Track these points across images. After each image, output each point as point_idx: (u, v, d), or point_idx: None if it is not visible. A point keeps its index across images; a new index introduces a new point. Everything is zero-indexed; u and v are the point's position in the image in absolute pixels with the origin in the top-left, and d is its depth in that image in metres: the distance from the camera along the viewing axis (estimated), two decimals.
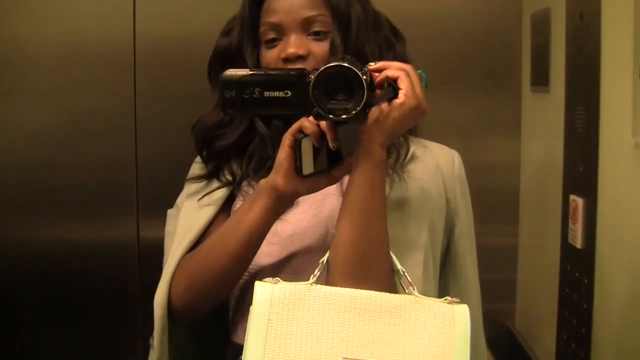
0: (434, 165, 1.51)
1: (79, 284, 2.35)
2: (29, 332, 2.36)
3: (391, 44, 1.51)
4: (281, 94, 1.23)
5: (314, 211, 1.46)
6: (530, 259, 2.33)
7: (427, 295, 1.29)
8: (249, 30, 1.51)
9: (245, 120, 1.52)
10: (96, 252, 2.34)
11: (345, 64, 1.20)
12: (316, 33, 1.46)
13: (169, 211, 1.59)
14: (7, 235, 2.30)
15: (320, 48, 1.44)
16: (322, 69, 1.21)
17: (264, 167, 1.48)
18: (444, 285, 1.53)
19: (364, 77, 1.20)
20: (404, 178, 1.45)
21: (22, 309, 2.36)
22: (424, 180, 1.47)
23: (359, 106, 1.19)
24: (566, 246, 1.90)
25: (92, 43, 2.27)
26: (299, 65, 1.42)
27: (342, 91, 1.20)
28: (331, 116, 1.21)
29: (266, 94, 1.23)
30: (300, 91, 1.22)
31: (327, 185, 1.36)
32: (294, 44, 1.44)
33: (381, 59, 1.37)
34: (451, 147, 1.58)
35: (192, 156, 1.64)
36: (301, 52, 1.43)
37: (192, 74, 1.99)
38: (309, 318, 1.19)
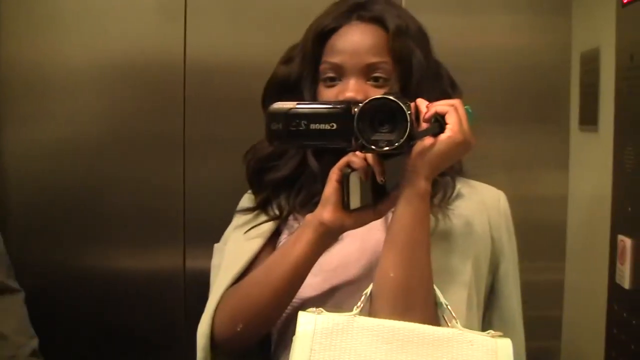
0: (480, 203, 1.50)
1: (123, 311, 2.37)
2: (73, 357, 2.38)
3: (447, 97, 1.45)
4: (327, 126, 1.25)
5: (359, 244, 1.47)
6: (576, 297, 2.30)
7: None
8: (309, 64, 1.51)
9: (298, 154, 1.53)
10: (142, 280, 2.36)
11: (390, 97, 1.23)
12: (376, 79, 1.45)
13: (216, 245, 1.61)
14: (52, 261, 2.33)
15: (378, 94, 1.42)
16: (366, 101, 1.24)
17: (311, 201, 1.49)
18: (488, 323, 1.51)
19: (408, 110, 1.22)
20: (448, 215, 1.45)
21: (65, 334, 2.37)
22: (469, 216, 1.47)
23: (402, 138, 1.22)
24: (613, 286, 1.88)
25: (142, 68, 2.31)
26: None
27: (386, 123, 1.23)
28: (374, 147, 1.23)
29: (312, 126, 1.26)
30: (346, 123, 1.24)
31: (372, 220, 1.36)
32: (352, 88, 1.44)
33: None
34: (498, 182, 1.57)
35: (240, 187, 1.65)
36: (359, 97, 1.42)
37: (242, 101, 2.02)
38: (351, 349, 1.20)
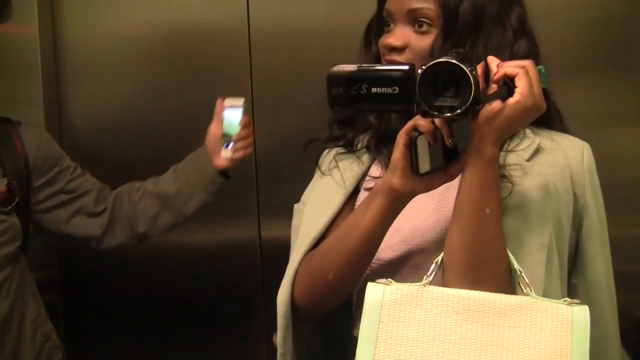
0: (561, 158, 1.44)
1: (201, 285, 2.41)
2: (153, 332, 2.44)
3: (507, 45, 1.40)
4: (389, 90, 1.20)
5: (436, 205, 1.44)
6: None
7: (552, 295, 1.26)
8: (378, 13, 1.50)
9: None
10: (218, 253, 2.39)
11: (453, 60, 1.17)
12: (420, 25, 1.41)
13: (296, 206, 1.59)
14: None
15: (419, 42, 1.40)
16: (428, 65, 1.18)
17: (388, 139, 1.44)
18: (572, 284, 1.46)
19: (473, 73, 1.16)
20: (526, 173, 1.39)
21: (146, 309, 2.44)
22: (549, 174, 1.41)
23: (465, 104, 1.16)
24: None
25: (206, 39, 2.34)
26: (394, 57, 1.40)
27: (450, 87, 1.17)
28: (437, 113, 1.18)
29: (374, 90, 1.21)
30: (408, 88, 1.19)
31: (444, 183, 1.33)
32: (393, 35, 1.42)
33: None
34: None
35: (310, 152, 1.64)
36: (397, 43, 1.40)
37: (308, 67, 2.01)
38: (420, 320, 1.18)
